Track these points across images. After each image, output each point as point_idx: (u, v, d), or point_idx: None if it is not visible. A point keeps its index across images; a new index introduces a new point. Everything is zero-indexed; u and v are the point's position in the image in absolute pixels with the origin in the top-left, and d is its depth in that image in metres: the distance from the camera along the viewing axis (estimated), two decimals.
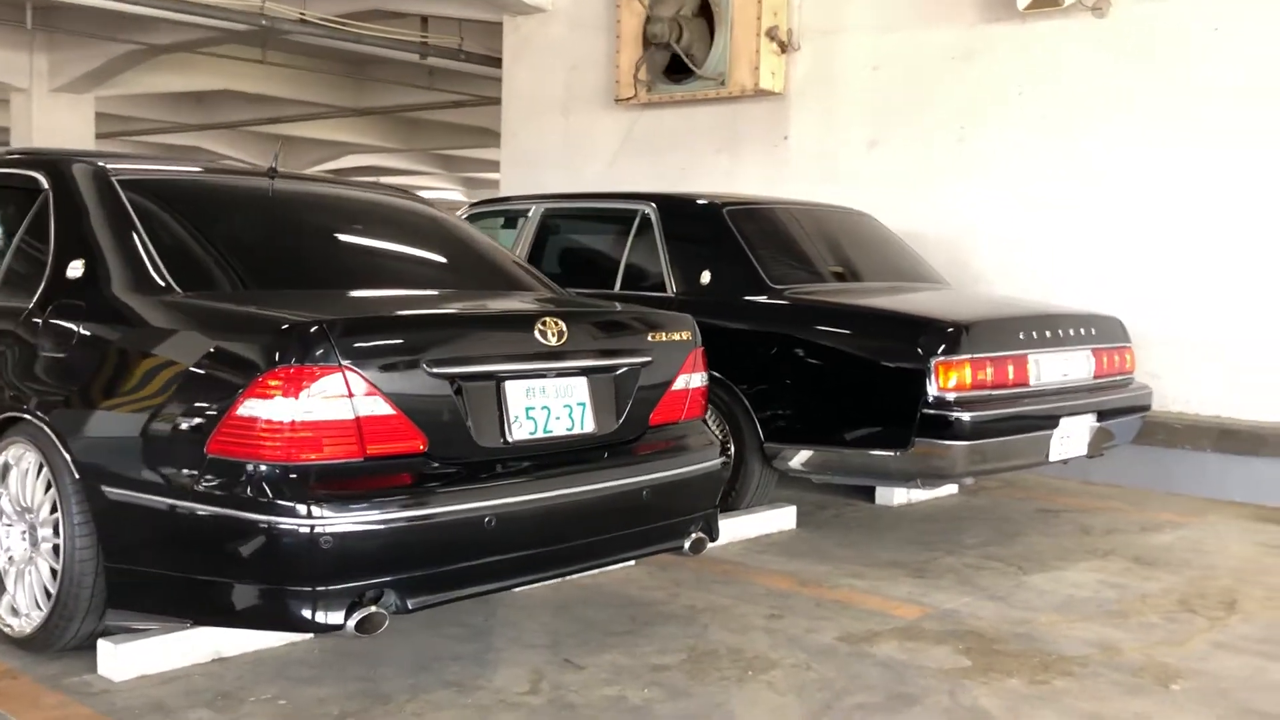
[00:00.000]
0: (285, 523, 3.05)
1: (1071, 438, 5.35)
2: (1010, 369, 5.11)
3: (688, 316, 4.10)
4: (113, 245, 3.67)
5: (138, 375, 3.40)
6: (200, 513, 3.16)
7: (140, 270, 3.60)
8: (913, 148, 7.87)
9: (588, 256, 6.58)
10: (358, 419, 3.15)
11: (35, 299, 3.75)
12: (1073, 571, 4.94)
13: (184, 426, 3.25)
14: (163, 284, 3.55)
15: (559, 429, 3.59)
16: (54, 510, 3.53)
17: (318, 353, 3.10)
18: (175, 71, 16.71)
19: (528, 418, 3.52)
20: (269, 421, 3.09)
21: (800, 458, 5.33)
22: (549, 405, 3.58)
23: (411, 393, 3.26)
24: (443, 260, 4.45)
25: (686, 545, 3.91)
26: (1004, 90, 7.52)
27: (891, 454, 5.00)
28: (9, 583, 3.70)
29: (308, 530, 3.04)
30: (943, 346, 4.91)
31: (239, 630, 3.54)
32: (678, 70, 8.54)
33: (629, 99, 8.95)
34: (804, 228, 6.20)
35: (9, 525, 3.73)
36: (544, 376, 3.59)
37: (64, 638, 3.52)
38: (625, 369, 3.81)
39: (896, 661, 3.76)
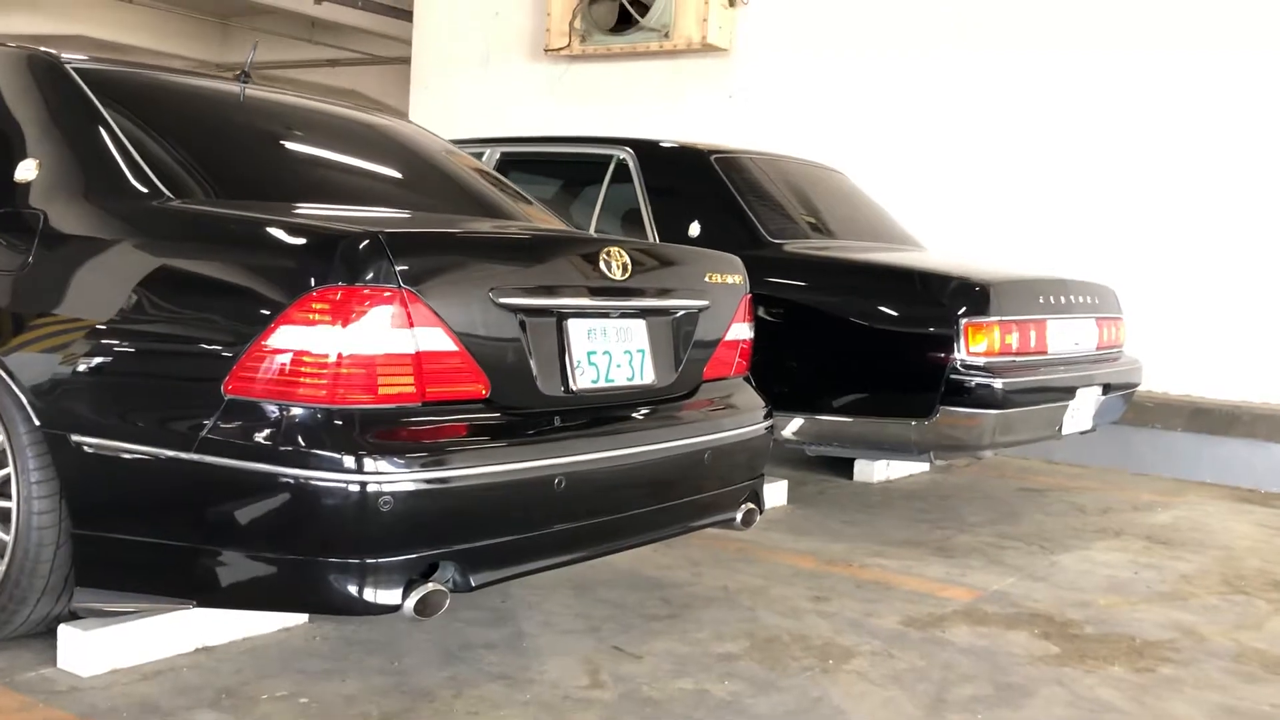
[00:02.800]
0: (330, 480, 2.45)
1: (1080, 411, 5.05)
2: (1033, 335, 4.77)
3: (736, 258, 3.60)
4: (79, 142, 2.98)
5: (121, 296, 2.73)
6: (212, 467, 2.53)
7: (116, 172, 2.92)
8: (863, 107, 7.52)
9: (554, 208, 6.00)
10: (418, 354, 2.57)
11: None
12: (1096, 551, 4.63)
13: (190, 360, 2.62)
14: (147, 190, 2.89)
15: (620, 379, 3.07)
16: (1, 464, 2.84)
17: (374, 271, 2.51)
18: (24, 11, 15.37)
19: (589, 363, 2.98)
20: (310, 354, 2.49)
21: (793, 426, 4.88)
22: (610, 350, 3.05)
23: (475, 326, 2.69)
24: (448, 184, 3.84)
25: (738, 518, 3.43)
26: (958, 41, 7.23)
27: (911, 423, 4.60)
28: None
29: (359, 489, 2.45)
30: (972, 307, 4.54)
31: (221, 613, 2.92)
32: (621, 21, 8.01)
33: (560, 49, 8.39)
34: (788, 181, 5.76)
35: None
36: (606, 316, 3.05)
37: (11, 624, 2.84)
38: (683, 313, 3.30)
39: (979, 648, 3.35)
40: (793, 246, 5.08)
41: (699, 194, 5.28)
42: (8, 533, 2.80)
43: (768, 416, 3.56)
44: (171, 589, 2.68)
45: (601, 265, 3.00)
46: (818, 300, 4.85)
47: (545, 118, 8.59)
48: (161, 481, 2.63)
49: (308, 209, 3.01)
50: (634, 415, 3.08)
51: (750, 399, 3.56)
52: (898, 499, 5.47)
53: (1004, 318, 4.60)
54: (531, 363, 2.81)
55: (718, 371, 3.46)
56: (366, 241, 2.53)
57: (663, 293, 3.24)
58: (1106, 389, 5.22)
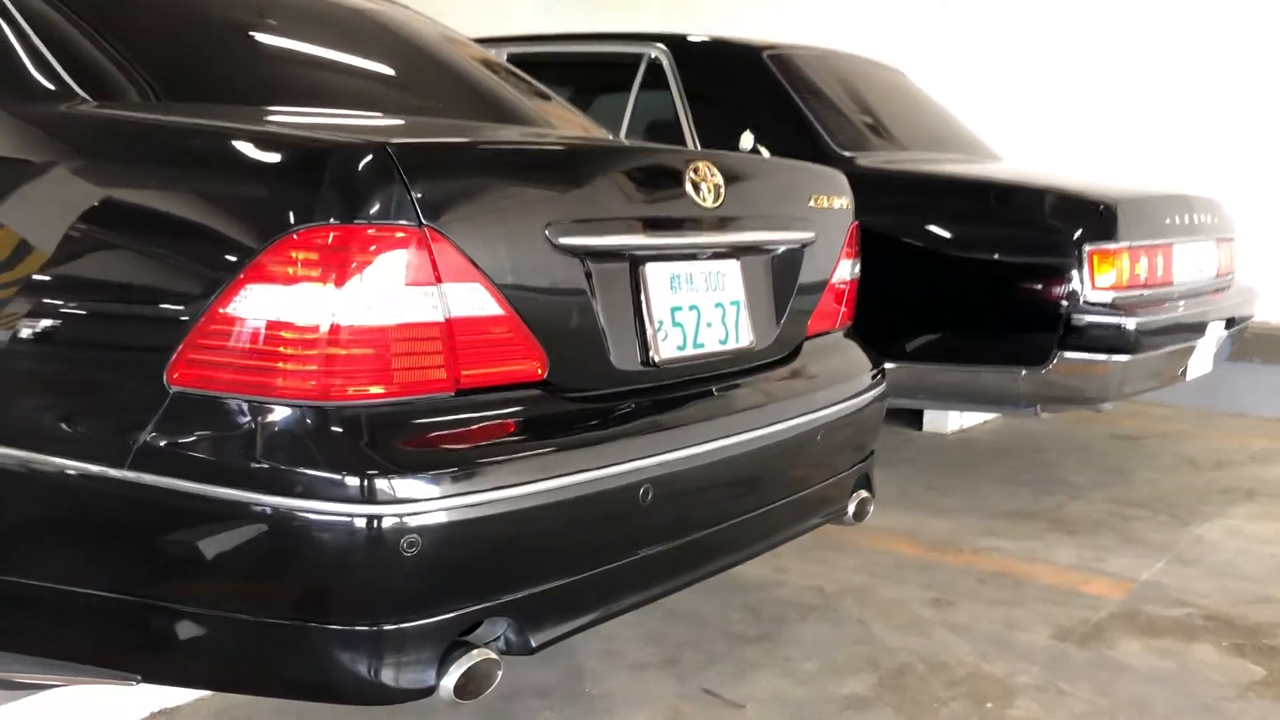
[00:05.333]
0: (327, 512, 1.66)
1: (1205, 350, 4.27)
2: (1160, 262, 3.98)
3: (842, 176, 2.77)
4: None
5: (14, 242, 1.91)
6: (154, 490, 1.73)
7: (7, 64, 2.08)
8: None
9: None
10: (448, 322, 1.76)
11: None
12: (1238, 520, 3.88)
13: (118, 336, 1.81)
14: (54, 87, 2.05)
15: (711, 342, 2.27)
16: None
17: (381, 201, 1.70)
18: None
19: (674, 323, 2.18)
20: (291, 326, 1.68)
21: None
22: (698, 304, 2.24)
23: (527, 278, 1.88)
24: (453, 82, 2.95)
25: (851, 510, 2.64)
26: None
27: (1020, 373, 3.81)
28: None
29: (371, 526, 1.65)
30: (1097, 230, 3.74)
31: None
32: None
33: None
34: (846, 82, 4.89)
35: None
36: (693, 258, 2.25)
37: None
38: (784, 249, 2.49)
39: (1166, 673, 2.61)
40: (867, 161, 4.25)
41: (751, 99, 4.44)
42: None
43: (881, 379, 2.77)
44: (107, 658, 1.89)
45: (688, 187, 2.18)
46: (902, 226, 4.02)
47: (554, 18, 7.66)
48: (85, 507, 1.83)
49: (279, 115, 2.18)
50: (731, 392, 2.28)
51: (860, 358, 2.77)
52: (983, 455, 4.71)
53: (1132, 243, 3.80)
54: (602, 326, 2.01)
55: (822, 324, 2.67)
56: (369, 157, 1.71)
57: (761, 223, 2.43)
58: (1229, 323, 4.44)
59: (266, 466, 1.68)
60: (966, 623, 2.86)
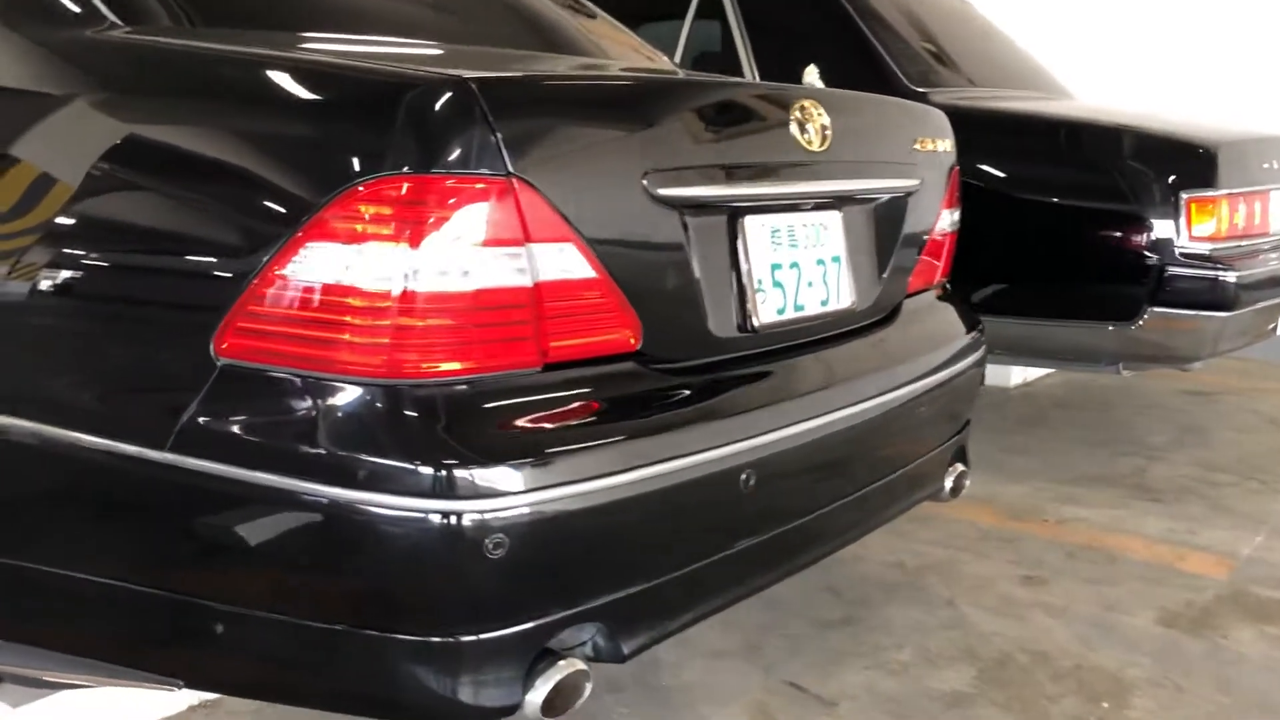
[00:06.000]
0: (399, 508, 1.43)
1: None
2: (1257, 210, 3.70)
3: (943, 115, 2.51)
4: None
5: (42, 190, 1.67)
6: (198, 476, 1.51)
7: None
8: None
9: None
10: (537, 286, 1.53)
11: None
12: None
13: (160, 298, 1.58)
14: (80, 10, 1.80)
15: (811, 304, 2.02)
16: None
17: (464, 146, 1.45)
18: None
19: (774, 283, 1.93)
20: (358, 291, 1.44)
21: None
22: (799, 261, 2.00)
23: (622, 234, 1.64)
24: (512, 12, 2.67)
25: (948, 486, 2.41)
26: None
27: (1108, 328, 3.55)
28: None
29: (452, 524, 1.43)
30: (1195, 176, 3.46)
31: None
32: None
33: None
34: (916, 12, 4.58)
35: None
36: (796, 209, 2.00)
37: None
38: (888, 198, 2.24)
39: None
40: (940, 98, 3.93)
41: (816, 28, 4.14)
42: None
43: (981, 341, 2.53)
44: (142, 658, 1.68)
45: (793, 129, 1.92)
46: (980, 169, 3.74)
47: None
48: (118, 492, 1.61)
49: (337, 44, 1.93)
50: (834, 360, 2.05)
51: (960, 318, 2.53)
52: (1051, 411, 4.47)
53: (1232, 190, 3.52)
54: (701, 288, 1.77)
55: (921, 281, 2.42)
56: (449, 95, 1.46)
57: (867, 169, 2.17)
58: None
59: (327, 453, 1.46)
60: (1063, 604, 2.64)
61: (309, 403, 1.48)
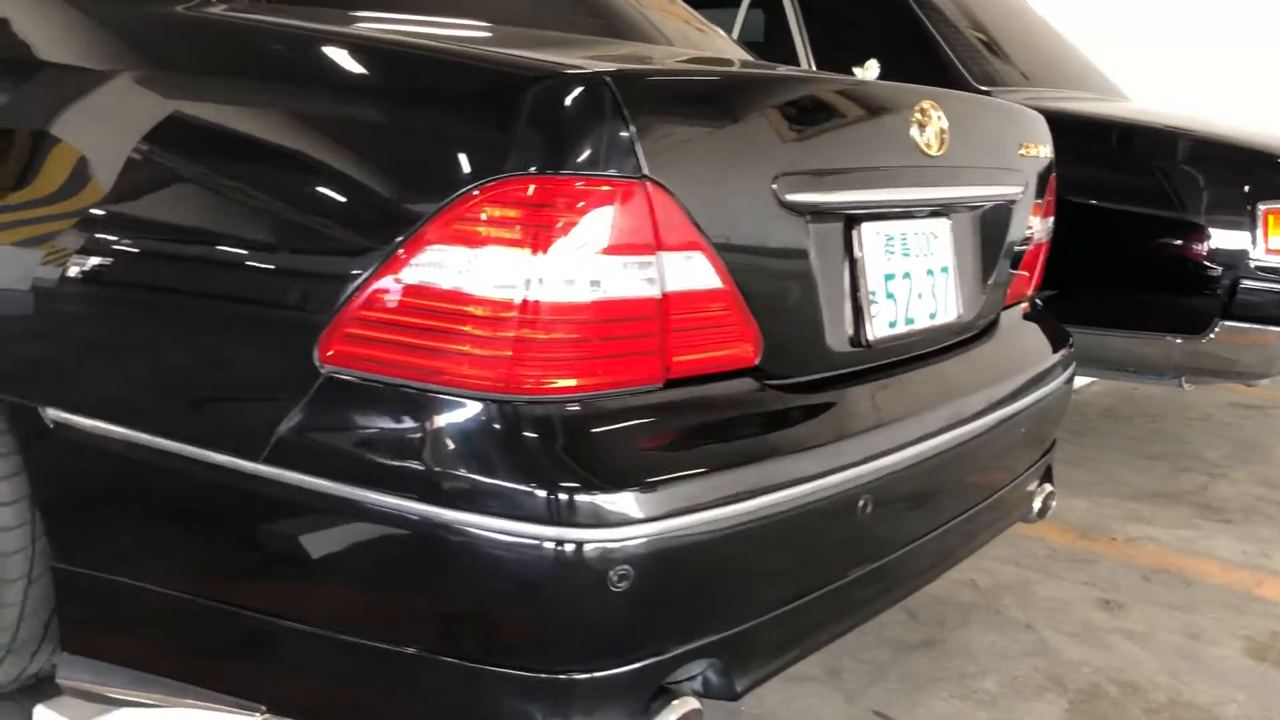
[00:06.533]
0: (514, 533, 1.33)
1: None
2: None
3: (1041, 117, 2.40)
4: None
5: (130, 179, 1.55)
6: (294, 491, 1.40)
7: None
8: None
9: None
10: (665, 298, 1.41)
11: None
12: None
13: (259, 298, 1.46)
14: None
15: (921, 316, 1.92)
16: None
17: (595, 147, 1.34)
18: None
19: (887, 294, 1.82)
20: (477, 300, 1.33)
21: None
22: (910, 271, 1.89)
23: (748, 242, 1.54)
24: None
25: (1036, 507, 2.31)
26: None
27: (1176, 341, 3.45)
28: None
29: (573, 552, 1.32)
30: (1273, 188, 3.35)
31: None
32: None
33: None
34: (972, 7, 4.46)
35: None
36: (909, 215, 1.89)
37: None
38: (992, 205, 2.13)
39: None
40: (1005, 97, 3.83)
41: (877, 22, 4.03)
42: None
43: (1072, 355, 2.42)
44: (222, 680, 1.57)
45: (913, 131, 1.81)
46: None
47: None
48: (205, 504, 1.50)
49: (442, 28, 1.81)
50: (943, 377, 1.94)
51: (1053, 331, 2.42)
52: (1099, 422, 4.37)
53: None
54: (820, 300, 1.66)
55: (1017, 291, 2.32)
56: (582, 90, 1.35)
57: (978, 175, 2.07)
58: None
59: (435, 471, 1.35)
60: (1145, 631, 2.54)
61: (417, 416, 1.37)
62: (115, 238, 1.52)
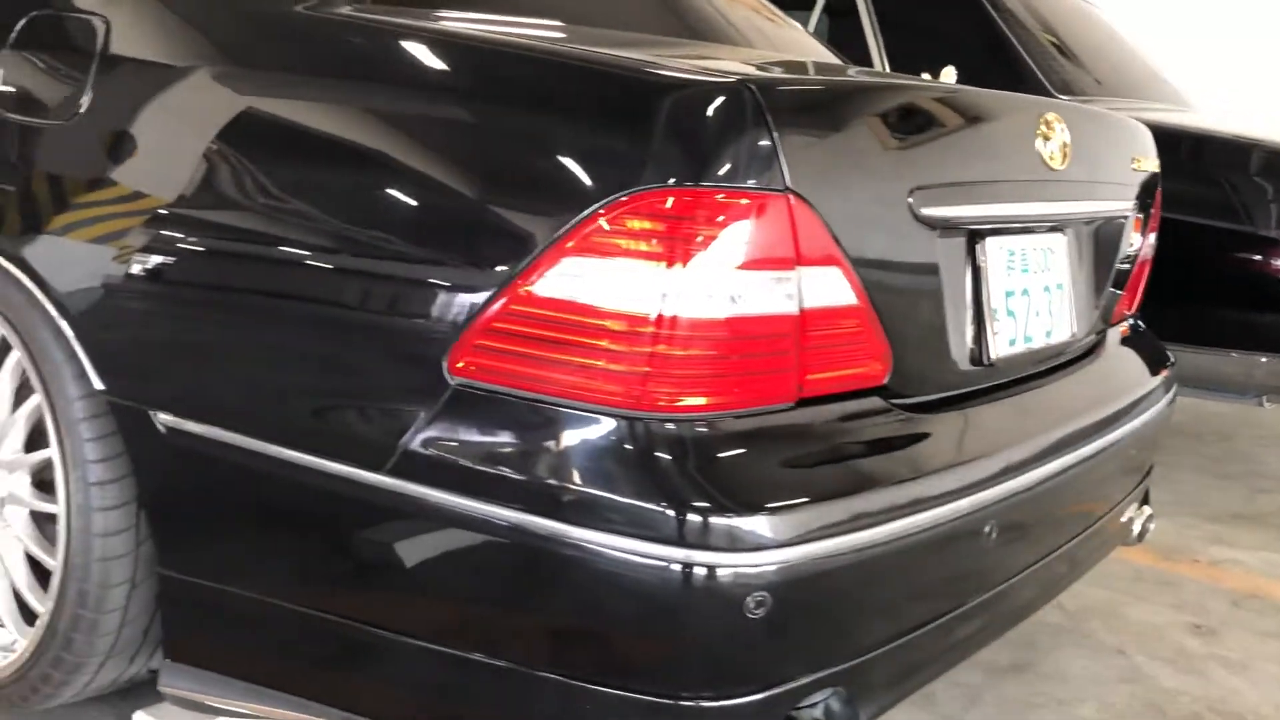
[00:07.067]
0: (646, 555, 1.28)
1: None
2: None
3: (1146, 129, 2.33)
4: None
5: (252, 182, 1.52)
6: (418, 503, 1.37)
7: None
8: None
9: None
10: (802, 315, 1.37)
11: None
12: None
13: (388, 308, 1.43)
14: None
15: (1038, 334, 1.87)
16: (35, 444, 1.71)
17: (739, 158, 1.30)
18: None
19: (1008, 312, 1.77)
20: (613, 314, 1.29)
21: None
22: (1029, 288, 1.83)
23: (882, 258, 1.49)
24: None
25: (1136, 530, 2.25)
26: None
27: (1260, 360, 3.37)
28: None
29: (706, 577, 1.27)
30: None
31: None
32: None
33: None
34: (1044, 14, 4.38)
35: None
36: (1030, 230, 1.84)
37: (59, 696, 1.74)
38: (1104, 220, 2.08)
39: None
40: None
41: (955, 28, 3.96)
42: (55, 556, 1.68)
43: (1175, 378, 2.36)
44: (333, 696, 1.54)
45: (1038, 144, 1.76)
46: None
47: None
48: (322, 515, 1.47)
49: (567, 34, 1.77)
50: (1060, 396, 1.89)
51: (1154, 351, 2.36)
52: (1173, 440, 4.27)
53: None
54: (947, 316, 1.62)
55: (1121, 308, 2.26)
56: (724, 99, 1.31)
57: (1096, 189, 2.01)
58: None
59: (563, 487, 1.32)
60: (1241, 660, 2.48)
61: (547, 431, 1.33)
62: (243, 244, 1.49)
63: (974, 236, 1.69)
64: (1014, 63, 3.82)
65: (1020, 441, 1.71)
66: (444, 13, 1.71)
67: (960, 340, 1.67)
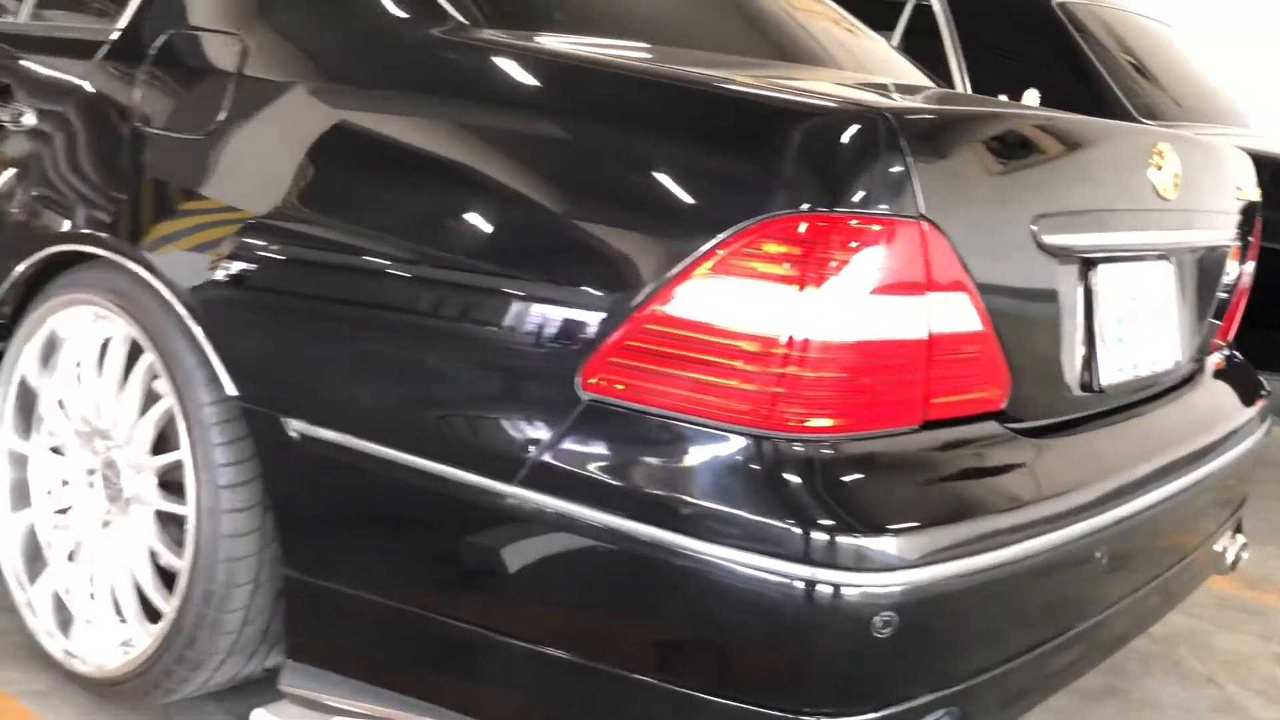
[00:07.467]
0: (773, 572, 1.31)
1: None
2: None
3: (1249, 159, 2.33)
4: None
5: (385, 202, 1.57)
6: (545, 516, 1.41)
7: None
8: None
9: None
10: (931, 339, 1.39)
11: (123, 25, 1.91)
12: None
13: (519, 324, 1.46)
14: (422, 5, 1.70)
15: (1145, 361, 1.87)
16: (164, 446, 1.77)
17: (874, 185, 1.33)
18: None
19: (1117, 340, 1.78)
20: (746, 335, 1.33)
21: None
22: (1137, 315, 1.84)
23: (1006, 284, 1.51)
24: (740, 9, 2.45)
25: (1230, 558, 2.24)
26: None
27: None
28: (59, 576, 1.95)
29: (832, 595, 1.30)
30: None
31: None
32: None
33: None
34: (1125, 38, 4.37)
35: (62, 462, 1.95)
36: (1140, 259, 1.85)
37: (178, 692, 1.80)
38: (1207, 248, 2.08)
39: None
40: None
41: (1038, 53, 3.96)
42: (182, 554, 1.73)
43: (1270, 407, 2.35)
44: (449, 698, 1.58)
45: (1150, 174, 1.77)
46: None
47: None
48: (448, 523, 1.51)
49: (667, 57, 1.81)
50: (1165, 424, 1.90)
51: (1249, 379, 2.35)
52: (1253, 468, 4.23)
53: None
54: (1061, 343, 1.63)
55: (1221, 335, 2.26)
56: (860, 127, 1.34)
57: (1201, 218, 2.02)
58: None
59: (691, 502, 1.35)
60: None
61: (677, 447, 1.37)
62: (379, 260, 1.54)
63: (1087, 264, 1.71)
64: (1097, 86, 3.81)
65: (1128, 468, 1.72)
66: (542, 36, 1.73)
67: (1072, 366, 1.69)
